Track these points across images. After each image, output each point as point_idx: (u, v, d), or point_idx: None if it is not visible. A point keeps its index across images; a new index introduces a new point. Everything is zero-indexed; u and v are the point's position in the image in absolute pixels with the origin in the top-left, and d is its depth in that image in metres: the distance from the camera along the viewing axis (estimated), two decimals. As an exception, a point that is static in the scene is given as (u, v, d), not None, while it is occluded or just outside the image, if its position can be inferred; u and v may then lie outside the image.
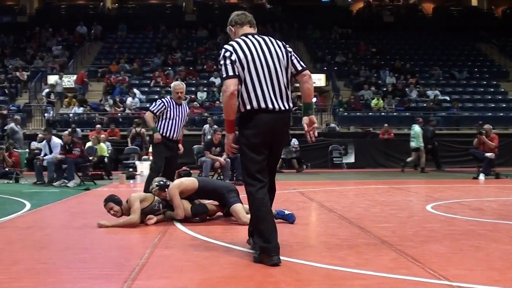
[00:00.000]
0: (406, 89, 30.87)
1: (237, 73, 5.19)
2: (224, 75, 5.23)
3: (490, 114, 28.03)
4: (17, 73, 31.65)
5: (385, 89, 30.77)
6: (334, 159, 24.49)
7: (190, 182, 7.94)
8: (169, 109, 10.08)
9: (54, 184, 15.28)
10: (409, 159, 21.63)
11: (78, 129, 23.56)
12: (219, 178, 15.69)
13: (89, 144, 19.08)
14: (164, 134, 10.02)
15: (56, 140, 16.18)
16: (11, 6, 43.21)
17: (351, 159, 24.72)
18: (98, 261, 5.55)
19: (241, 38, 5.37)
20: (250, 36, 5.39)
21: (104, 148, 19.06)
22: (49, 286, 4.47)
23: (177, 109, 10.18)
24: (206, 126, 21.95)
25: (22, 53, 34.59)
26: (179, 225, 7.44)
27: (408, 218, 8.17)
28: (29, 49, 35.13)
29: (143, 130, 21.50)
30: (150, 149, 17.20)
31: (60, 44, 35.96)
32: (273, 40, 5.45)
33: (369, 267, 4.92)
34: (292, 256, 5.35)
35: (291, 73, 5.44)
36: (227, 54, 5.24)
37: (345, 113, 28.33)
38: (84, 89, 29.85)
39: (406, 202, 10.39)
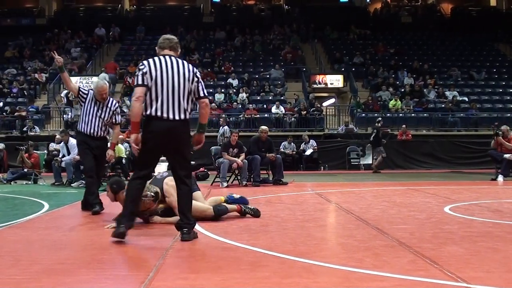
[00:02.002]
0: (424, 90, 30.76)
1: (145, 83, 6.21)
2: (135, 83, 6.38)
3: (509, 114, 27.87)
4: (36, 75, 31.92)
5: (403, 90, 30.69)
6: (352, 160, 24.46)
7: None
8: (87, 102, 9.30)
9: (73, 185, 15.36)
10: None
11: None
12: (236, 179, 15.69)
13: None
14: (81, 130, 9.32)
15: (73, 141, 16.21)
16: (30, 8, 43.51)
17: (368, 160, 24.67)
18: (115, 262, 5.58)
19: (158, 57, 6.41)
20: (166, 57, 6.40)
21: (122, 149, 19.10)
22: (67, 286, 4.49)
23: (98, 105, 9.28)
24: (226, 128, 21.92)
25: (41, 55, 34.83)
26: (196, 226, 7.45)
27: (426, 219, 8.12)
28: (47, 51, 35.34)
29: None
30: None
31: (79, 46, 36.20)
32: (185, 63, 6.46)
33: (387, 269, 4.90)
34: (309, 257, 5.34)
35: (193, 96, 6.43)
36: (141, 67, 6.34)
37: (363, 114, 28.27)
38: (115, 79, 30.03)
39: (424, 204, 10.33)
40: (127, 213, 6.32)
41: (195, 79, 6.38)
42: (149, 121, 6.29)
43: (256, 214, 8.25)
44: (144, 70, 6.27)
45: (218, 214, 7.84)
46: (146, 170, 6.48)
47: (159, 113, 6.20)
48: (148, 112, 6.25)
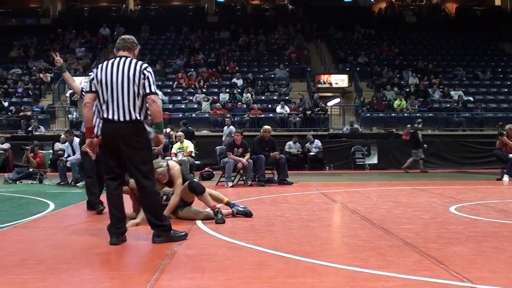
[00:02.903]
0: (429, 89, 30.68)
1: (92, 89, 6.35)
2: (85, 90, 6.83)
3: (514, 114, 27.75)
4: (41, 75, 31.93)
5: (408, 89, 30.61)
6: (357, 160, 24.41)
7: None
8: None
9: (78, 184, 15.38)
10: None
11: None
12: (241, 179, 15.69)
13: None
14: (83, 130, 9.24)
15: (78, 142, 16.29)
16: (35, 8, 43.55)
17: (374, 160, 24.65)
18: (120, 261, 5.59)
19: (107, 61, 6.43)
20: (117, 58, 6.38)
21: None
22: (72, 286, 4.50)
23: None
24: (232, 128, 21.88)
25: (46, 55, 34.86)
26: (201, 226, 7.46)
27: (431, 219, 8.11)
28: (52, 51, 35.35)
29: (169, 130, 21.46)
30: (173, 150, 17.24)
31: (83, 46, 36.21)
32: (133, 62, 6.32)
33: (392, 269, 4.90)
34: (314, 257, 5.34)
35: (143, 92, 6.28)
36: (91, 74, 6.63)
37: (368, 114, 28.24)
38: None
39: (429, 204, 10.32)
40: (115, 222, 6.30)
41: (141, 76, 6.21)
42: (102, 124, 6.41)
43: (247, 214, 8.35)
44: (92, 77, 6.42)
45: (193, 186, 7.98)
46: (113, 174, 6.40)
47: (105, 115, 6.27)
48: (101, 116, 6.38)
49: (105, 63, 6.39)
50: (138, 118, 6.24)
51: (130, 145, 6.22)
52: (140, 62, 6.37)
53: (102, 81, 6.25)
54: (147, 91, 6.21)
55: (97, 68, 6.40)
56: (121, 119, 6.20)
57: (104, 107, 6.27)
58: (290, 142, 23.61)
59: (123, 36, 6.69)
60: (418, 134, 22.68)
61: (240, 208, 8.38)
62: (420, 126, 23.25)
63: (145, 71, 6.25)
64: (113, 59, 6.40)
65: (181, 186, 7.94)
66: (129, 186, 7.47)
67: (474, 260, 5.27)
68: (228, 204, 8.40)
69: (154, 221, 6.31)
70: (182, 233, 6.47)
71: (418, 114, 27.90)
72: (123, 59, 6.36)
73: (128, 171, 6.59)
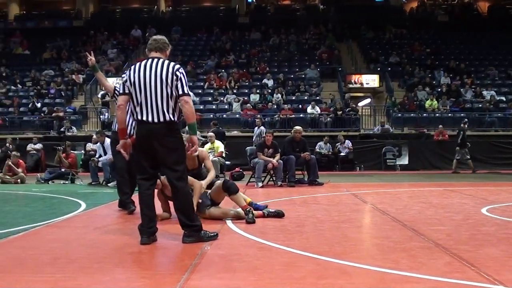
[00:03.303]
0: (461, 89, 30.38)
1: (126, 91, 6.41)
2: (118, 91, 6.87)
3: (547, 114, 27.40)
4: (73, 76, 32.29)
5: (439, 89, 30.35)
6: (388, 160, 24.26)
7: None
8: None
9: (109, 184, 15.51)
10: None
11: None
12: (271, 179, 15.69)
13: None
14: (115, 129, 9.30)
15: (109, 142, 16.41)
16: (67, 10, 44.03)
17: (405, 160, 24.48)
18: (151, 260, 5.63)
19: (140, 62, 6.48)
20: (149, 60, 6.44)
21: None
22: (103, 285, 4.54)
23: None
24: (262, 128, 21.91)
25: (78, 57, 35.20)
26: (231, 226, 7.49)
27: (463, 221, 8.05)
28: (84, 53, 35.64)
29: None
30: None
31: (115, 47, 36.53)
32: (165, 64, 6.37)
33: (423, 270, 4.87)
34: (344, 258, 5.33)
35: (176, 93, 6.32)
36: (123, 75, 6.70)
37: (399, 114, 28.06)
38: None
39: (461, 205, 10.23)
40: (146, 222, 6.36)
41: (174, 78, 6.27)
42: (137, 125, 6.47)
43: (279, 215, 8.40)
44: (125, 79, 6.47)
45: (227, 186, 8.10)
46: (146, 174, 6.48)
47: (139, 117, 6.33)
48: (135, 117, 6.44)
49: (137, 64, 6.45)
50: (172, 119, 6.29)
51: (164, 146, 6.28)
52: (172, 63, 6.40)
53: (135, 83, 6.32)
54: (180, 92, 6.25)
55: (130, 69, 6.46)
56: (155, 120, 6.25)
57: (138, 109, 6.33)
58: (321, 143, 23.55)
59: (154, 37, 6.73)
60: (465, 133, 22.46)
61: (271, 210, 8.41)
62: (466, 126, 22.98)
63: (177, 72, 6.29)
64: (145, 61, 6.45)
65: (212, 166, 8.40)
66: (160, 180, 7.53)
67: (506, 262, 5.22)
68: (250, 204, 8.40)
69: (185, 221, 6.37)
70: (213, 234, 6.51)
71: (450, 114, 27.69)
72: (155, 60, 6.40)
73: (161, 172, 6.69)
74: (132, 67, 6.48)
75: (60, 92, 30.72)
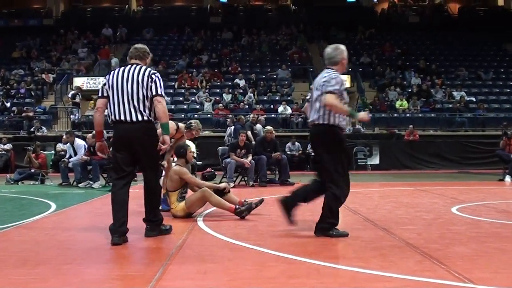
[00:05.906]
0: (432, 90, 30.63)
1: (104, 94, 6.69)
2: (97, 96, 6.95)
3: (516, 115, 27.68)
4: (43, 76, 31.94)
5: (410, 90, 30.56)
6: (359, 160, 24.34)
7: None
8: None
9: (80, 185, 15.40)
10: None
11: (104, 131, 23.66)
12: (243, 179, 15.68)
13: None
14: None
15: (79, 142, 16.30)
16: (38, 9, 43.49)
17: (375, 160, 24.59)
18: (122, 262, 5.60)
19: (119, 68, 6.81)
20: (129, 66, 6.73)
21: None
22: (74, 286, 4.51)
23: None
24: (233, 128, 21.80)
25: (48, 56, 34.88)
26: (203, 226, 7.48)
27: (433, 220, 8.11)
28: (55, 52, 35.39)
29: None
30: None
31: (86, 46, 36.20)
32: (142, 69, 6.66)
33: (394, 269, 4.90)
34: (316, 258, 5.35)
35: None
36: (104, 80, 6.88)
37: (370, 114, 28.05)
38: (109, 65, 30.24)
39: (431, 204, 10.31)
40: (118, 222, 6.37)
41: (150, 80, 6.56)
42: (114, 125, 6.65)
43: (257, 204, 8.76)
44: (103, 83, 6.77)
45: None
46: (122, 173, 6.58)
47: (117, 117, 6.55)
48: (111, 118, 6.64)
49: (116, 69, 6.75)
50: (149, 118, 6.57)
51: (141, 144, 6.55)
52: (149, 69, 6.72)
53: (113, 85, 6.58)
54: (154, 92, 6.55)
55: (109, 74, 6.75)
56: (134, 119, 6.51)
57: (114, 108, 6.57)
58: (289, 144, 23.46)
59: (136, 46, 7.04)
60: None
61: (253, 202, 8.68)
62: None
63: (153, 75, 6.62)
64: (124, 66, 6.75)
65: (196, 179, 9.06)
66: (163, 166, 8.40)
67: (476, 261, 5.28)
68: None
69: (151, 217, 6.77)
70: (168, 227, 6.98)
71: (420, 115, 27.91)
72: (133, 66, 6.71)
73: (139, 167, 6.86)
74: (111, 72, 6.76)
75: (30, 92, 30.38)
